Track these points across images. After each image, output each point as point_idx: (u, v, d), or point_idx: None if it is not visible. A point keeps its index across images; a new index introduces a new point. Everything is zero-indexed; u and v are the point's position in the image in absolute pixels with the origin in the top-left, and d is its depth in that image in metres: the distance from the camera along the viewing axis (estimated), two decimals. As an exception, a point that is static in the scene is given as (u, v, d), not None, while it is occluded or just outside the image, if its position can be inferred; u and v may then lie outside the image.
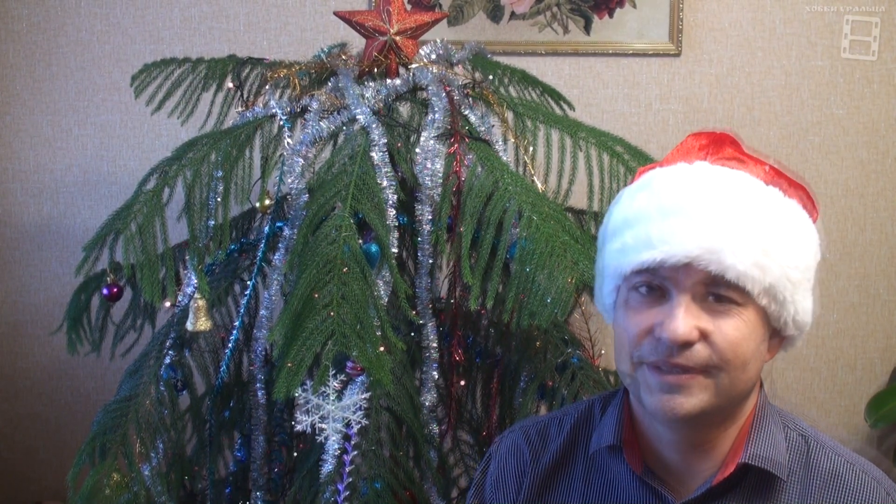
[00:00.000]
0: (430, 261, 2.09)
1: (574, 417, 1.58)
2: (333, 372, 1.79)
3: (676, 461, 1.43)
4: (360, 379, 1.89)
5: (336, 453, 1.86)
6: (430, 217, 2.03)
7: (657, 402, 1.34)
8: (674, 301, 1.33)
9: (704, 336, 1.32)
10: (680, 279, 1.32)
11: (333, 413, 1.83)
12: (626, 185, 2.10)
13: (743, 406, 1.42)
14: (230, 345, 2.17)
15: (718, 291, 1.32)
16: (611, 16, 2.96)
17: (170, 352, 2.15)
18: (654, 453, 1.46)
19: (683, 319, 1.31)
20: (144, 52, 3.05)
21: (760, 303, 1.33)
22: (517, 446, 1.59)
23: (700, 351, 1.31)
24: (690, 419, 1.34)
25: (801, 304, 1.39)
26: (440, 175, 2.01)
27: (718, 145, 1.45)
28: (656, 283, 1.35)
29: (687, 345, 1.31)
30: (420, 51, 2.24)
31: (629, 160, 2.16)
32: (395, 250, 1.96)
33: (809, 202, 1.44)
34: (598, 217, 2.23)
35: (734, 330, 1.32)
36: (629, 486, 1.46)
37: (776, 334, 1.41)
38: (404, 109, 2.30)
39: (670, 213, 1.35)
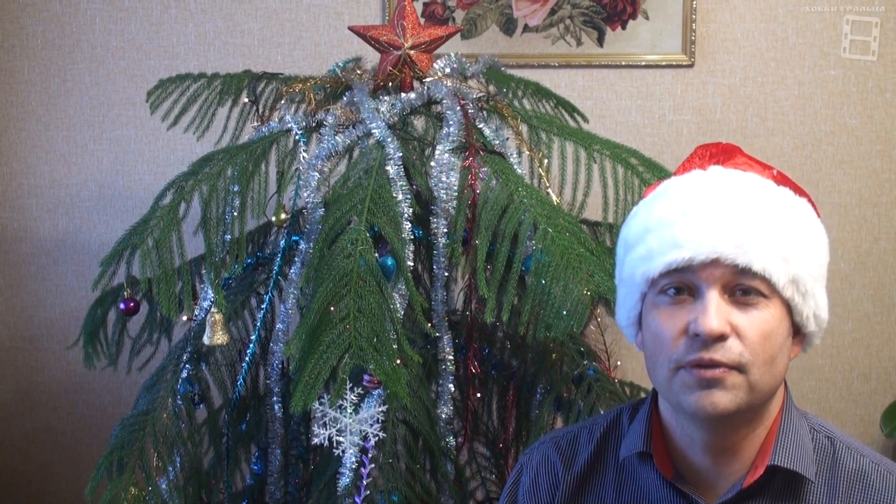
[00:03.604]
0: (446, 274, 2.10)
1: (604, 426, 1.60)
2: (350, 385, 1.79)
3: (706, 465, 1.45)
4: (376, 392, 1.89)
5: (353, 466, 1.86)
6: (445, 230, 2.03)
7: (696, 399, 1.35)
8: (705, 297, 1.35)
9: (735, 331, 1.34)
10: (708, 275, 1.35)
11: (350, 426, 1.83)
12: (640, 196, 2.12)
13: (770, 406, 1.44)
14: (247, 358, 2.18)
15: (746, 284, 1.35)
16: (623, 28, 2.96)
17: (187, 366, 2.16)
18: (683, 458, 1.47)
19: (717, 313, 1.33)
20: (159, 68, 3.06)
21: (785, 295, 1.36)
22: (549, 457, 1.60)
23: (732, 347, 1.34)
24: (728, 415, 1.36)
25: (820, 299, 1.43)
26: (455, 188, 2.02)
27: (728, 153, 1.51)
28: (686, 283, 1.38)
29: (721, 338, 1.33)
30: (434, 64, 2.25)
31: (643, 172, 2.17)
32: (410, 263, 1.96)
33: (813, 207, 1.49)
34: (612, 229, 2.23)
35: (763, 323, 1.35)
36: (660, 492, 1.48)
37: (797, 332, 1.43)
38: (419, 123, 2.31)
39: (692, 214, 1.38)
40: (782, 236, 1.37)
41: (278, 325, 2.12)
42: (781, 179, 1.46)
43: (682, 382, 1.37)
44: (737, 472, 1.44)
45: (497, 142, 2.15)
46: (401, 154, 2.02)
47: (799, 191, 1.46)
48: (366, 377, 1.89)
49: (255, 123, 2.30)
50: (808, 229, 1.42)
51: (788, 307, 1.38)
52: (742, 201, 1.38)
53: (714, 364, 1.33)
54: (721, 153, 1.50)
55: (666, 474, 1.47)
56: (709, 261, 1.34)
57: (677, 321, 1.37)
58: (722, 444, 1.43)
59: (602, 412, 2.08)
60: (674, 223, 1.39)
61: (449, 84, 2.19)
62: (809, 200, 1.48)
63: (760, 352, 1.34)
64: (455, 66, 2.27)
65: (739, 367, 1.34)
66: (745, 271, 1.34)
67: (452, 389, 2.13)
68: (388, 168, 2.00)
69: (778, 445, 1.42)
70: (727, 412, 1.35)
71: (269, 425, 2.18)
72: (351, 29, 2.28)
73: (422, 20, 2.77)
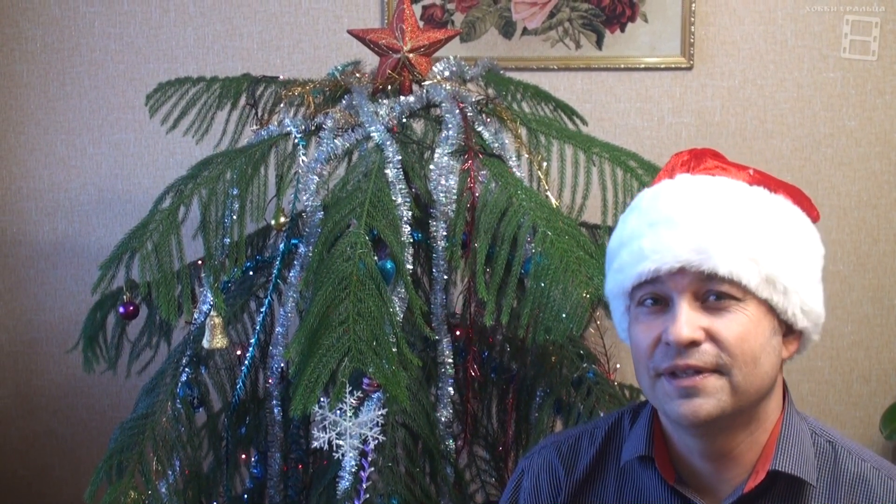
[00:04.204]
0: (445, 277, 2.09)
1: (605, 430, 1.60)
2: (350, 388, 1.79)
3: (706, 470, 1.45)
4: (376, 395, 1.89)
5: (353, 470, 1.86)
6: (444, 233, 2.03)
7: (677, 408, 1.37)
8: (675, 306, 1.37)
9: (710, 335, 1.35)
10: (677, 284, 1.37)
11: (350, 429, 1.83)
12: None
13: (765, 409, 1.43)
14: (246, 362, 2.18)
15: (717, 289, 1.36)
16: (622, 30, 2.96)
17: (186, 369, 2.16)
18: (683, 463, 1.48)
19: (686, 321, 1.35)
20: (158, 72, 3.06)
21: (761, 295, 1.37)
22: (551, 462, 1.61)
23: (708, 350, 1.35)
24: (712, 421, 1.36)
25: (809, 295, 1.42)
26: (454, 191, 2.02)
27: (699, 159, 1.50)
28: (659, 294, 1.40)
29: (693, 345, 1.35)
30: (433, 68, 2.25)
31: (643, 175, 2.17)
32: (409, 267, 1.96)
33: (805, 202, 1.48)
34: (611, 232, 2.23)
35: (737, 325, 1.35)
36: (661, 497, 1.48)
37: (790, 331, 1.43)
38: (418, 126, 2.31)
39: (658, 224, 1.40)
40: (751, 237, 1.37)
41: (278, 329, 2.12)
42: (757, 179, 1.46)
43: (664, 391, 1.39)
44: (738, 476, 1.44)
45: (496, 145, 2.15)
46: (400, 157, 2.03)
47: (778, 187, 1.46)
48: (365, 381, 1.89)
49: (255, 127, 2.31)
50: (784, 226, 1.42)
51: (769, 306, 1.38)
52: (705, 207, 1.39)
53: (690, 369, 1.35)
54: (692, 160, 1.50)
55: (668, 478, 1.47)
56: (675, 270, 1.36)
57: (653, 331, 1.39)
58: (718, 450, 1.43)
59: (602, 415, 2.08)
60: (641, 235, 1.41)
61: (448, 87, 2.19)
62: (797, 196, 1.47)
63: (739, 353, 1.35)
64: (454, 69, 2.27)
65: (719, 370, 1.35)
66: (712, 276, 1.35)
67: (452, 393, 2.12)
68: (388, 171, 2.00)
69: (779, 450, 1.42)
70: (710, 418, 1.36)
71: (268, 429, 2.17)
72: (350, 32, 2.28)
73: (421, 23, 2.77)
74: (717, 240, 1.35)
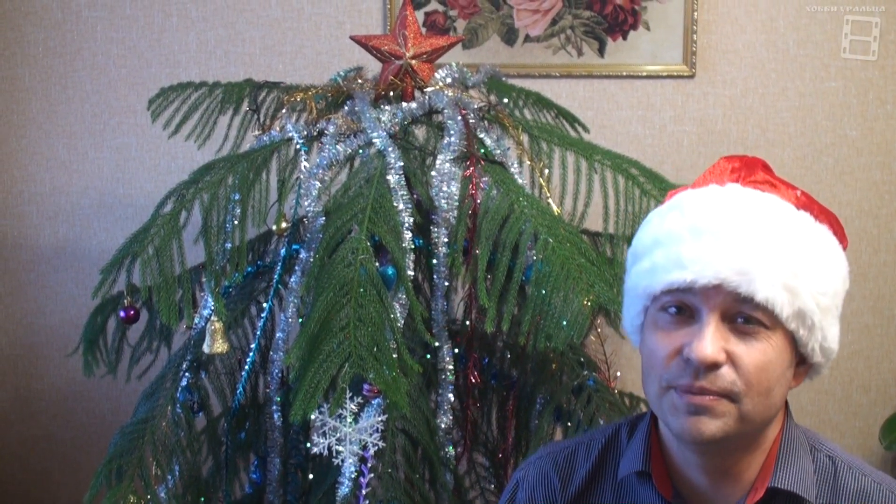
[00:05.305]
0: (446, 283, 2.09)
1: (602, 442, 1.57)
2: (350, 394, 1.79)
3: (705, 486, 1.43)
4: (376, 401, 1.89)
5: (352, 476, 1.86)
6: (445, 240, 2.03)
7: (682, 424, 1.33)
8: (703, 321, 1.32)
9: (731, 359, 1.31)
10: (710, 300, 1.32)
11: (350, 435, 1.83)
12: (640, 207, 2.12)
13: (768, 430, 1.42)
14: (246, 367, 2.18)
15: (747, 313, 1.31)
16: (624, 38, 2.96)
17: (186, 374, 2.16)
18: (682, 478, 1.46)
19: (712, 340, 1.30)
20: (160, 76, 3.07)
21: (789, 327, 1.33)
22: (546, 474, 1.58)
23: (725, 375, 1.31)
24: (715, 442, 1.34)
25: (829, 331, 1.39)
26: (456, 198, 2.02)
27: (750, 169, 1.45)
28: (687, 304, 1.35)
29: (714, 366, 1.30)
30: (435, 74, 2.25)
31: (644, 182, 2.17)
32: (411, 273, 1.96)
33: (839, 231, 1.45)
34: (613, 239, 2.23)
35: (761, 354, 1.32)
36: None
37: (803, 361, 1.41)
38: (420, 133, 2.31)
39: (702, 234, 1.35)
40: (791, 267, 1.32)
41: (278, 334, 2.12)
42: (804, 202, 1.42)
43: (672, 404, 1.35)
44: (737, 492, 1.42)
45: (498, 151, 2.15)
46: (402, 163, 2.03)
47: (823, 214, 1.42)
48: (365, 386, 1.89)
49: (256, 132, 2.30)
50: (822, 259, 1.38)
51: (793, 337, 1.36)
52: (753, 226, 1.34)
53: (704, 391, 1.31)
54: (743, 168, 1.45)
55: (665, 494, 1.45)
56: (711, 286, 1.31)
57: (673, 341, 1.35)
58: (718, 467, 1.41)
59: (602, 423, 2.08)
60: (681, 240, 1.36)
61: (450, 94, 2.19)
62: (835, 224, 1.44)
63: (755, 382, 1.31)
64: (456, 75, 2.27)
65: (731, 396, 1.31)
66: (748, 300, 1.30)
67: (452, 399, 2.12)
68: (389, 177, 2.00)
69: (778, 467, 1.40)
70: (714, 439, 1.33)
71: (268, 434, 2.17)
72: (352, 38, 2.28)
73: (423, 30, 2.78)
74: (759, 264, 1.31)
